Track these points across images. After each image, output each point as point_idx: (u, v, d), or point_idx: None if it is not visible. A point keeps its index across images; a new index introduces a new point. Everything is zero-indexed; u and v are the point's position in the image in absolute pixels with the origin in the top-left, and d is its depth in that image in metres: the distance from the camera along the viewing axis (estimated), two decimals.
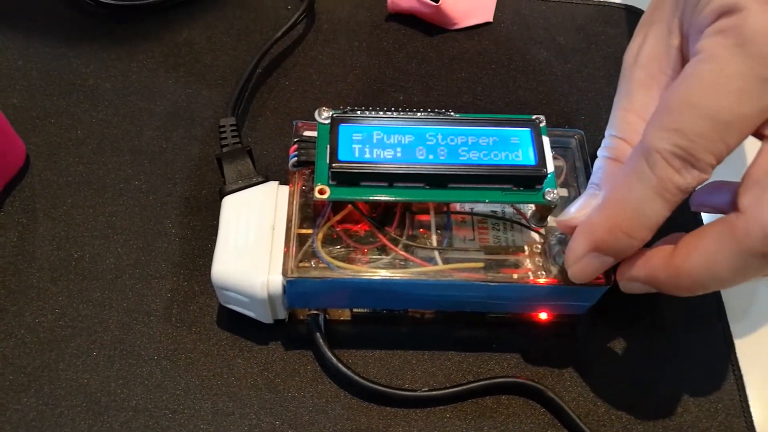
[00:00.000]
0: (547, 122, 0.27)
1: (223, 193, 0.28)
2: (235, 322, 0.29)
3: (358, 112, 0.27)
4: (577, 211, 0.24)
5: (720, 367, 0.29)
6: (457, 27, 0.39)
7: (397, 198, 0.26)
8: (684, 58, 0.23)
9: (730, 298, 0.31)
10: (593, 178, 0.25)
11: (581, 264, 0.24)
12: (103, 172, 0.33)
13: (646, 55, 0.24)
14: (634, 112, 0.24)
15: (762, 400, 0.29)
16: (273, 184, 0.28)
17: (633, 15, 0.41)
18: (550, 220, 0.28)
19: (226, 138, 0.31)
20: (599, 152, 0.25)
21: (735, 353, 0.29)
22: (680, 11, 0.23)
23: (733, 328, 0.30)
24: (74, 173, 0.33)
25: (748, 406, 0.28)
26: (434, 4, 0.38)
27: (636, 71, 0.24)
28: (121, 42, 0.37)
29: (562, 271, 0.26)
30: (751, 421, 0.28)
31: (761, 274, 0.21)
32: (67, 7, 0.38)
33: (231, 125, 0.31)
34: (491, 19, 0.40)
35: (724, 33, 0.20)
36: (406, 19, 0.39)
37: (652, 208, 0.21)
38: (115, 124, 0.34)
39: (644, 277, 0.23)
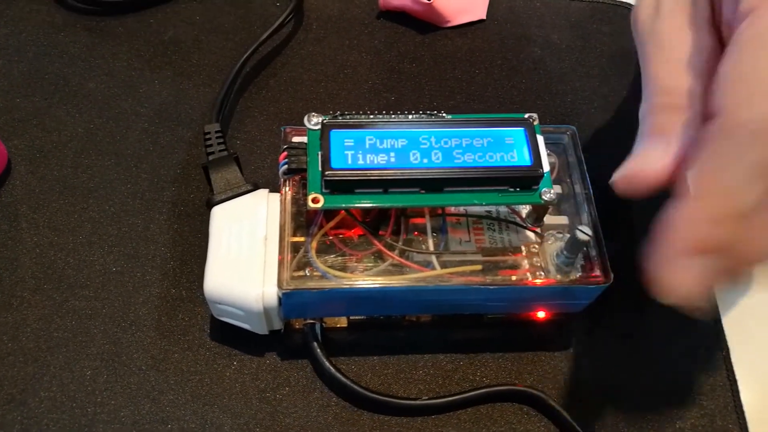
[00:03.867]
0: (540, 121, 0.27)
1: (211, 204, 0.27)
2: (226, 331, 0.28)
3: (348, 117, 0.26)
4: (641, 163, 0.22)
5: (715, 373, 0.29)
6: (449, 25, 0.39)
7: (392, 204, 0.25)
8: (711, 5, 0.22)
9: (726, 303, 0.31)
10: (647, 130, 0.22)
11: (678, 278, 0.19)
12: (87, 176, 0.32)
13: (666, 7, 0.23)
14: (673, 63, 0.22)
15: (756, 406, 0.28)
16: (263, 192, 0.28)
17: (627, 12, 0.40)
18: (547, 219, 0.27)
19: (211, 145, 0.30)
20: (647, 108, 0.23)
21: (730, 359, 0.29)
22: None
23: (728, 333, 0.30)
24: (57, 177, 0.32)
25: (743, 413, 0.28)
26: (426, 2, 0.37)
27: (661, 23, 0.23)
28: (105, 41, 0.36)
29: (560, 271, 0.26)
30: (746, 427, 0.28)
31: None
32: (49, 4, 0.37)
33: (216, 132, 0.30)
34: (484, 17, 0.39)
35: None
36: (398, 16, 0.39)
37: (750, 187, 0.18)
38: (100, 126, 0.33)
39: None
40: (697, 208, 0.19)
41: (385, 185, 0.25)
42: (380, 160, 0.25)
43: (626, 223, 0.32)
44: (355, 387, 0.27)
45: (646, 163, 0.22)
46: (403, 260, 0.26)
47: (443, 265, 0.26)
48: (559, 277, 0.26)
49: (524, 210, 0.28)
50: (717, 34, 0.22)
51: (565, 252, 0.26)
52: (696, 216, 0.19)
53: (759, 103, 0.18)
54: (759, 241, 0.19)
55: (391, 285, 0.25)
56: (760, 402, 0.28)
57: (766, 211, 0.19)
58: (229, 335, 0.28)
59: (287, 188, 0.27)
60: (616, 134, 0.36)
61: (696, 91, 0.22)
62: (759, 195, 0.18)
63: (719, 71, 0.20)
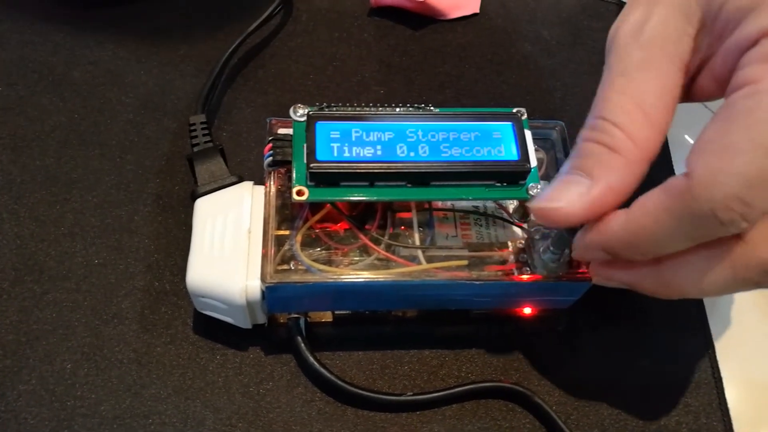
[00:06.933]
0: (529, 117, 0.26)
1: (195, 196, 0.27)
2: (210, 325, 0.28)
3: (335, 108, 0.26)
4: (557, 197, 0.22)
5: (700, 371, 0.29)
6: (444, 18, 0.38)
7: (378, 198, 0.25)
8: (696, 49, 0.21)
9: (711, 301, 0.31)
10: (575, 162, 0.22)
11: (588, 254, 0.23)
12: (71, 167, 0.31)
13: (649, 35, 0.21)
14: (630, 97, 0.21)
15: (741, 403, 0.28)
16: (248, 185, 0.27)
17: (618, 9, 0.40)
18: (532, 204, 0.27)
19: (196, 137, 0.29)
20: (585, 134, 0.22)
21: (715, 356, 0.29)
22: (703, 4, 0.21)
23: (714, 330, 0.30)
24: (40, 167, 0.31)
25: (727, 411, 0.28)
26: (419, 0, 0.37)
27: (636, 50, 0.21)
28: (91, 29, 0.36)
29: (547, 267, 0.26)
30: (731, 425, 0.28)
31: (749, 290, 0.20)
32: None
33: (201, 123, 0.30)
34: (478, 11, 0.39)
35: None
36: (389, 10, 0.38)
37: (681, 244, 0.20)
38: (84, 116, 0.33)
39: (625, 282, 0.23)
40: (622, 232, 0.21)
41: (371, 178, 0.24)
42: (366, 152, 0.24)
43: None
44: (340, 382, 0.26)
45: (560, 200, 0.21)
46: (389, 254, 0.26)
47: (429, 260, 0.26)
48: (545, 273, 0.26)
49: (511, 205, 0.28)
50: (686, 82, 0.22)
51: (551, 248, 0.25)
52: (616, 236, 0.21)
53: (730, 185, 0.18)
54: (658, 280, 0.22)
55: (376, 279, 0.25)
56: (745, 400, 0.28)
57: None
58: (212, 329, 0.28)
59: (272, 181, 0.26)
60: None
61: (639, 136, 0.21)
62: (681, 247, 0.20)
63: (705, 131, 0.19)
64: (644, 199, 0.20)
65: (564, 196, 0.21)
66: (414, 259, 0.26)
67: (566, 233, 0.24)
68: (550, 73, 0.37)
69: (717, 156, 0.18)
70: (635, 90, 0.21)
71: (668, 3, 0.22)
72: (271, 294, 0.25)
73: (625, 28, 0.22)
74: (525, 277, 0.26)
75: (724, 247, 0.19)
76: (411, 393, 0.27)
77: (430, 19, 0.38)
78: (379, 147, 0.25)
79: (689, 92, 0.23)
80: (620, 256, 0.22)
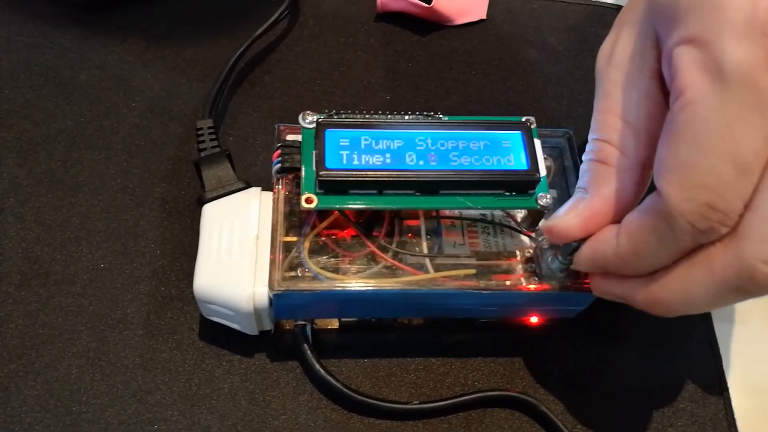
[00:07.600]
0: (536, 124, 0.27)
1: (202, 201, 0.27)
2: (216, 331, 0.28)
3: (344, 116, 0.26)
4: (564, 215, 0.23)
5: (706, 381, 0.29)
6: (450, 24, 0.38)
7: (386, 206, 0.25)
8: (659, 58, 0.22)
9: (718, 310, 0.31)
10: (580, 182, 0.24)
11: (586, 268, 0.24)
12: (77, 171, 0.31)
13: (619, 55, 0.23)
14: (613, 114, 0.23)
15: (748, 414, 0.28)
16: (255, 191, 0.27)
17: None
18: (542, 223, 0.27)
19: (203, 141, 0.29)
20: (584, 156, 0.24)
21: (721, 366, 0.29)
22: (650, 18, 0.22)
23: (720, 340, 0.30)
24: (46, 171, 0.31)
25: (734, 421, 0.28)
26: (426, 5, 0.37)
27: (611, 72, 0.24)
28: (97, 33, 0.36)
29: (554, 276, 0.26)
30: None
31: (737, 302, 0.20)
32: None
33: (208, 128, 0.30)
34: (485, 17, 0.39)
35: (704, 69, 0.19)
36: (395, 16, 0.38)
37: (667, 259, 0.21)
38: (90, 120, 0.33)
39: (619, 295, 0.23)
40: (614, 257, 0.22)
41: (379, 187, 0.24)
42: (375, 161, 0.24)
43: None
44: (345, 390, 0.26)
45: (561, 219, 0.23)
46: (396, 262, 0.26)
47: (437, 269, 0.26)
48: (553, 282, 0.26)
49: (519, 214, 0.28)
50: (663, 84, 0.22)
51: (559, 257, 0.25)
52: (609, 260, 0.22)
53: (693, 195, 0.19)
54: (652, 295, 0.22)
55: (383, 288, 0.25)
56: (751, 410, 0.28)
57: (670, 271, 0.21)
58: (218, 335, 0.28)
59: (280, 187, 0.26)
60: None
61: (626, 145, 0.23)
62: (668, 261, 0.21)
63: (660, 150, 0.20)
64: (628, 221, 0.21)
65: (567, 214, 0.23)
66: (421, 267, 0.26)
67: (574, 242, 0.24)
68: (556, 80, 0.37)
69: (677, 174, 0.19)
70: (616, 106, 0.23)
71: (631, 23, 0.23)
72: (279, 301, 0.25)
73: (600, 56, 0.25)
74: (532, 286, 0.26)
75: (702, 253, 0.20)
76: (417, 401, 0.27)
77: (437, 25, 0.38)
78: (388, 155, 0.25)
79: None
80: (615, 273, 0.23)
